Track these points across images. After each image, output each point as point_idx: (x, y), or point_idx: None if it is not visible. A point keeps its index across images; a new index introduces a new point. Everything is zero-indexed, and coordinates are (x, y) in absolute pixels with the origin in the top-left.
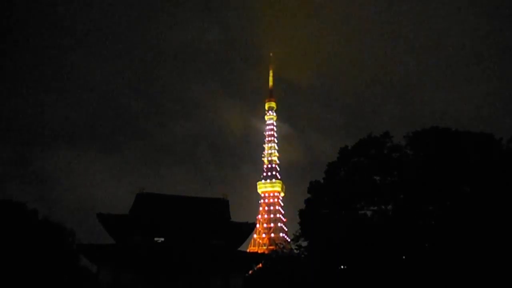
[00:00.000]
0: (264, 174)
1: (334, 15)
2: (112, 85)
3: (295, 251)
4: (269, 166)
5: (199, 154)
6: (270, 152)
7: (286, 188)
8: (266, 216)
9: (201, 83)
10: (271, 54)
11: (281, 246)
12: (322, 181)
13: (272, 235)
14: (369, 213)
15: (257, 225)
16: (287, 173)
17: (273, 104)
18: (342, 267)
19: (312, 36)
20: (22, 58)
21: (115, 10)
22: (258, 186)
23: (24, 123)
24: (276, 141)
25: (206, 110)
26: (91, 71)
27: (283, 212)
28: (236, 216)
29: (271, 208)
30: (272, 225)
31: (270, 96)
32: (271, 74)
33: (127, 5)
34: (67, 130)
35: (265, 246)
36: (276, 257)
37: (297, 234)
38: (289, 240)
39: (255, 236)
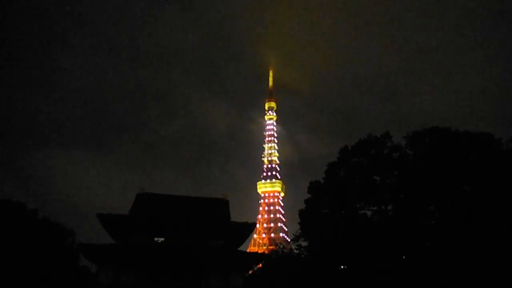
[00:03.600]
0: (264, 174)
1: (328, 21)
2: (98, 86)
3: (295, 251)
4: (269, 166)
5: (188, 154)
6: (270, 152)
7: (286, 188)
8: (266, 216)
9: (187, 82)
10: (271, 54)
11: (281, 246)
12: (322, 181)
13: (272, 235)
14: (369, 213)
15: (257, 225)
16: (286, 173)
17: (273, 104)
18: (342, 267)
19: (307, 39)
20: (11, 59)
21: (99, 10)
22: (258, 186)
23: (13, 124)
24: (276, 141)
25: (193, 109)
26: (77, 72)
27: (283, 212)
28: (236, 216)
29: (271, 208)
30: (272, 225)
31: (270, 96)
32: (271, 74)
33: (112, 5)
34: (55, 130)
35: (265, 246)
36: (276, 257)
37: (297, 234)
38: (289, 240)
39: (255, 236)
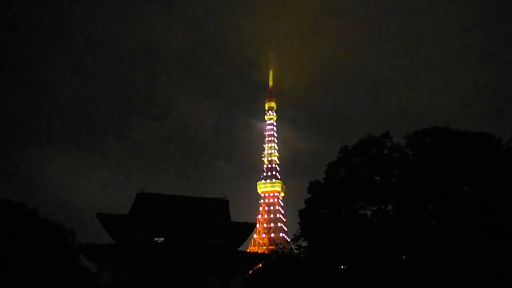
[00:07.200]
0: (264, 174)
1: (324, 24)
2: (88, 87)
3: (295, 251)
4: (269, 166)
5: (179, 154)
6: (270, 152)
7: (286, 188)
8: (266, 216)
9: (175, 82)
10: (271, 54)
11: (281, 246)
12: (322, 181)
13: (272, 235)
14: (369, 213)
15: (257, 225)
16: (286, 173)
17: (273, 104)
18: (342, 267)
19: (302, 40)
20: (7, 62)
21: (86, 12)
22: (258, 186)
23: (11, 125)
24: (276, 141)
25: (182, 109)
26: (67, 75)
27: (283, 212)
28: (236, 216)
29: (271, 208)
30: (272, 225)
31: (270, 96)
32: (271, 74)
33: (99, 7)
34: (51, 131)
35: (265, 246)
36: (276, 257)
37: (297, 234)
38: (289, 240)
39: (255, 236)
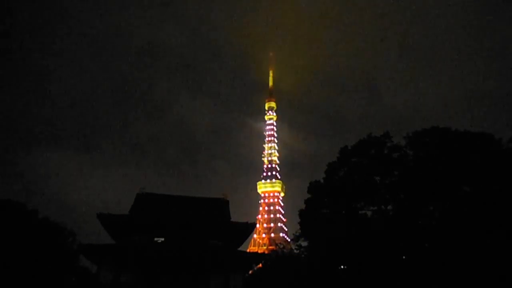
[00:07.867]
0: (264, 174)
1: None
2: (85, 88)
3: (295, 251)
4: (269, 166)
5: (176, 153)
6: (270, 152)
7: (286, 188)
8: (266, 216)
9: (172, 81)
10: (271, 54)
11: (281, 246)
12: (322, 181)
13: (272, 235)
14: (369, 213)
15: (257, 225)
16: (286, 173)
17: (273, 104)
18: (342, 267)
19: (301, 40)
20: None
21: (83, 13)
22: (258, 186)
23: (11, 125)
24: (276, 141)
25: (179, 109)
26: (65, 75)
27: (283, 212)
28: (236, 216)
29: (271, 208)
30: (272, 225)
31: (270, 96)
32: (271, 74)
33: (97, 8)
34: (50, 131)
35: (265, 246)
36: (276, 257)
37: (297, 234)
38: (289, 240)
39: (255, 236)
